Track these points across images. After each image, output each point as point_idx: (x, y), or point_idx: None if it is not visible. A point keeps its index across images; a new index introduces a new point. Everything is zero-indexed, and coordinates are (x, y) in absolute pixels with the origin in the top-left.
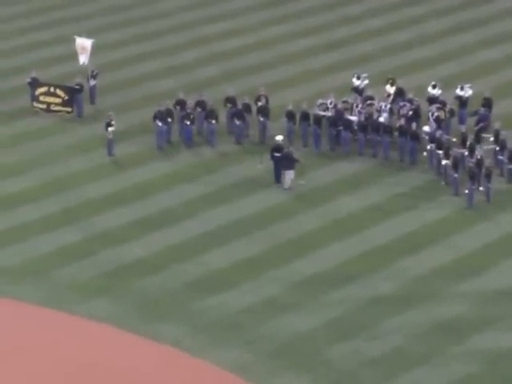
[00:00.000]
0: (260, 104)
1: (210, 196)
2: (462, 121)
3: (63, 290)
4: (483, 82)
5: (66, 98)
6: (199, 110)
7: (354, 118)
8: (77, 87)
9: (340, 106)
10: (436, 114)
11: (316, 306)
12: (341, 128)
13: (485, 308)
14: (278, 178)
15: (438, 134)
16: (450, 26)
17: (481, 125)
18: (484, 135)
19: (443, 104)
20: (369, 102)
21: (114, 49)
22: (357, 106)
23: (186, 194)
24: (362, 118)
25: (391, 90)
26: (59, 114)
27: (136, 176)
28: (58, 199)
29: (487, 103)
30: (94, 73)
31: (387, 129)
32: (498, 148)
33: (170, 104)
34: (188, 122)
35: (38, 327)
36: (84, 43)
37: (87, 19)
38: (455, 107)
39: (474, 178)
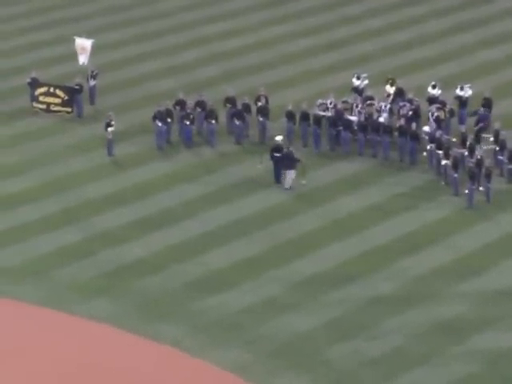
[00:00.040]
0: (260, 104)
1: (210, 196)
2: (461, 121)
3: (63, 290)
4: (483, 82)
5: (66, 98)
6: (199, 110)
7: (353, 118)
8: (76, 87)
9: (340, 106)
10: (436, 114)
11: (316, 306)
12: (341, 128)
13: (485, 308)
14: (277, 178)
15: (438, 134)
16: (450, 26)
17: (480, 125)
18: (484, 135)
19: (443, 104)
20: (369, 102)
21: (113, 49)
22: (357, 106)
23: (185, 194)
24: (362, 118)
25: (391, 90)
26: (59, 114)
27: (136, 176)
28: (57, 199)
29: (487, 103)
30: (94, 73)
31: (387, 129)
32: (497, 148)
33: (169, 104)
34: (188, 122)
35: (38, 327)
36: (84, 43)
37: (87, 19)
38: (455, 107)
39: (473, 178)
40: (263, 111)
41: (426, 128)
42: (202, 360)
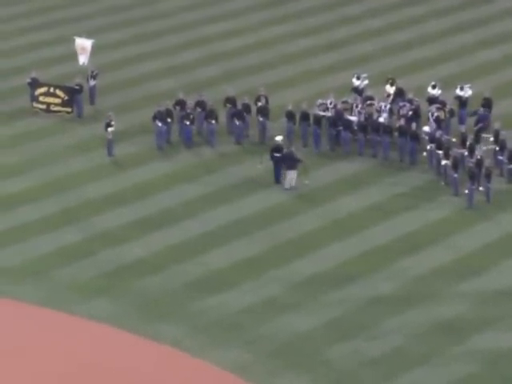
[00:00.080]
0: (260, 104)
1: (210, 196)
2: (461, 121)
3: (63, 290)
4: (483, 82)
5: (66, 98)
6: (199, 110)
7: (353, 118)
8: (76, 87)
9: (340, 106)
10: (436, 114)
11: (316, 306)
12: (341, 128)
13: (485, 308)
14: (277, 179)
15: (438, 134)
16: (450, 26)
17: (480, 125)
18: (484, 135)
19: (443, 104)
20: (369, 102)
21: (114, 49)
22: (357, 106)
23: (185, 194)
24: (362, 118)
25: (391, 90)
26: (59, 114)
27: (136, 176)
28: (57, 199)
29: (487, 103)
30: (94, 73)
31: (387, 129)
32: (497, 148)
33: (169, 104)
34: (188, 122)
35: (38, 327)
36: (84, 43)
37: (87, 19)
38: (455, 107)
39: (473, 178)
40: (263, 111)
41: (426, 128)
42: (202, 360)
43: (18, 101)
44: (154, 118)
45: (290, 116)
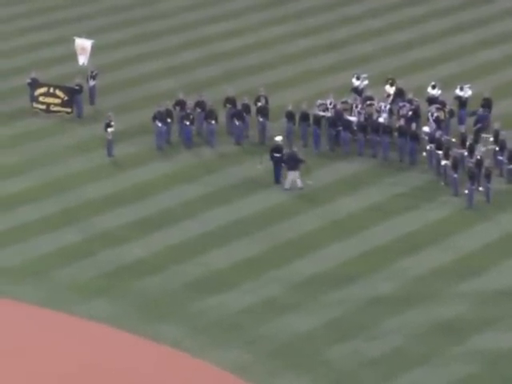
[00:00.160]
0: (259, 104)
1: (210, 196)
2: (461, 121)
3: (63, 290)
4: (483, 82)
5: (66, 98)
6: (199, 110)
7: (353, 119)
8: (76, 88)
9: (339, 106)
10: (436, 114)
11: (316, 307)
12: (340, 128)
13: (485, 308)
14: (277, 179)
15: (438, 134)
16: (451, 26)
17: (479, 125)
18: (484, 135)
19: (443, 104)
20: (368, 102)
21: (114, 49)
22: (356, 107)
23: (185, 195)
24: (362, 119)
25: (391, 90)
26: (59, 114)
27: (136, 176)
28: (57, 199)
29: (487, 104)
30: (94, 73)
31: (387, 129)
32: (497, 148)
33: (169, 104)
34: (187, 123)
35: (38, 327)
36: (84, 44)
37: (87, 19)
38: (455, 107)
39: (473, 178)
40: (263, 111)
41: (426, 128)
42: (201, 360)
43: (18, 101)
44: (154, 118)
45: (290, 116)
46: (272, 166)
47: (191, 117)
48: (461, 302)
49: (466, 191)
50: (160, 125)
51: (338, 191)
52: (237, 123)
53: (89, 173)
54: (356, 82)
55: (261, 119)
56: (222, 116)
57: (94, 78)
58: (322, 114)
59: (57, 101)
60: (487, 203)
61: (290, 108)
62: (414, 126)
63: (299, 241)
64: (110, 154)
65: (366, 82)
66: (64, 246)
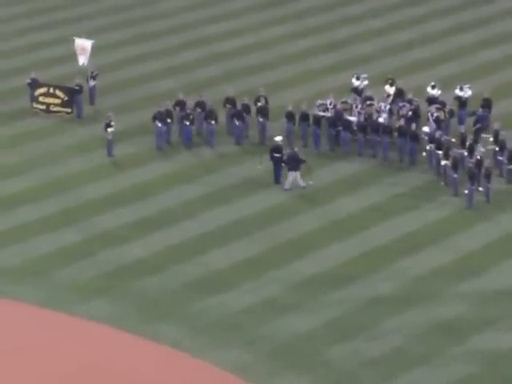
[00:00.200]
0: (259, 104)
1: (210, 196)
2: (461, 121)
3: (63, 290)
4: (483, 83)
5: (66, 98)
6: (199, 110)
7: (353, 119)
8: (76, 88)
9: (339, 106)
10: (435, 114)
11: (316, 307)
12: (340, 128)
13: (485, 308)
14: (277, 179)
15: (438, 134)
16: (451, 26)
17: (478, 125)
18: (483, 135)
19: (443, 104)
20: (368, 102)
21: (114, 49)
22: (356, 107)
23: (185, 195)
24: (362, 119)
25: (391, 90)
26: (59, 114)
27: (135, 176)
28: (57, 199)
29: (486, 104)
30: (94, 73)
31: (387, 129)
32: (497, 148)
33: (169, 105)
34: (187, 123)
35: (38, 327)
36: (84, 44)
37: (87, 20)
38: (455, 108)
39: (473, 178)
40: (263, 111)
41: (426, 128)
42: (201, 360)
43: (18, 101)
44: (154, 118)
45: (290, 116)
46: (272, 166)
47: (191, 117)
48: (461, 301)
49: (466, 191)
50: (160, 125)
51: (337, 191)
52: (237, 123)
53: (89, 173)
54: (356, 82)
55: (261, 119)
56: (222, 116)
57: (93, 78)
58: (321, 114)
59: (57, 101)
60: (487, 203)
61: (289, 108)
62: (413, 126)
63: (299, 241)
64: (109, 154)
65: (365, 82)
66: (64, 246)
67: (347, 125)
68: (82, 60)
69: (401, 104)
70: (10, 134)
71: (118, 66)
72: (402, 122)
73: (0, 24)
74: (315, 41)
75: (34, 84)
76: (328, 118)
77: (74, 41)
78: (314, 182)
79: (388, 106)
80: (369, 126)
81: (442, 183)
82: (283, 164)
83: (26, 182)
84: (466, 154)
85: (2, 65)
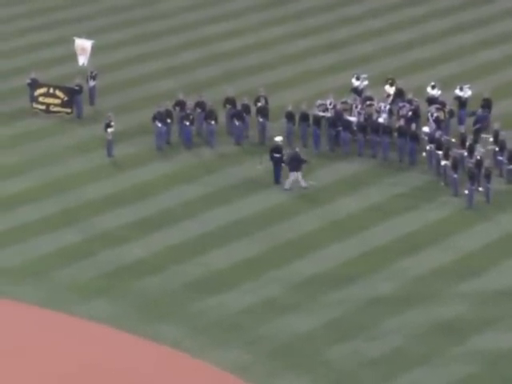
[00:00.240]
0: (259, 105)
1: (210, 196)
2: (461, 121)
3: (63, 290)
4: (483, 83)
5: (66, 98)
6: (199, 110)
7: (353, 119)
8: (76, 88)
9: (339, 106)
10: (435, 114)
11: (316, 307)
12: (340, 129)
13: (485, 308)
14: (277, 179)
15: (438, 134)
16: (451, 26)
17: (477, 126)
18: (483, 136)
19: (443, 105)
20: (368, 102)
21: (114, 49)
22: (356, 107)
23: (185, 195)
24: (362, 119)
25: (391, 90)
26: (59, 114)
27: (135, 177)
28: (57, 200)
29: (486, 104)
30: (94, 74)
31: (387, 129)
32: (497, 148)
33: (169, 105)
34: (187, 123)
35: (38, 328)
36: (84, 44)
37: (87, 20)
38: (455, 108)
39: (473, 178)
40: (263, 112)
41: (426, 128)
42: (201, 361)
43: (18, 101)
44: (154, 118)
45: (290, 116)
46: (272, 166)
47: (191, 117)
48: (461, 302)
49: (466, 191)
50: (160, 125)
51: (337, 191)
52: (237, 123)
53: (89, 173)
54: (356, 83)
55: (261, 119)
56: (222, 116)
57: (93, 78)
58: (321, 114)
59: (57, 101)
60: (487, 203)
61: (289, 108)
62: (413, 126)
63: (299, 241)
64: (109, 155)
65: (365, 83)
66: (64, 246)
67: (347, 125)
68: (82, 60)
69: (401, 104)
70: (9, 134)
71: (117, 66)
72: (401, 122)
73: (0, 24)
74: (315, 41)
75: (34, 84)
76: (328, 118)
77: (73, 41)
78: (315, 182)
79: (388, 106)
80: (369, 126)
81: (442, 183)
82: (283, 164)
83: (26, 182)
84: (465, 154)
85: (2, 65)
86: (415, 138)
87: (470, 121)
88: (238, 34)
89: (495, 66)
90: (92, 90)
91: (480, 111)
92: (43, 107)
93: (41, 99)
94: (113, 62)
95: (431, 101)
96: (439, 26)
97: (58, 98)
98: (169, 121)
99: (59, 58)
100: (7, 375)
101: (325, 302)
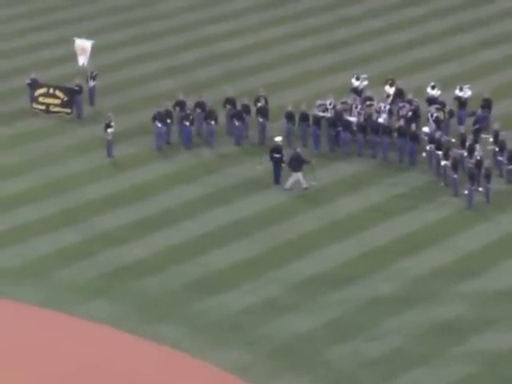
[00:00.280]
0: (259, 105)
1: (210, 197)
2: (461, 121)
3: (63, 291)
4: (483, 83)
5: (66, 99)
6: (199, 110)
7: (353, 119)
8: (76, 88)
9: (339, 106)
10: (435, 114)
11: (315, 307)
12: (340, 129)
13: (484, 308)
14: (277, 179)
15: (438, 134)
16: (451, 26)
17: (476, 126)
18: (483, 136)
19: (442, 105)
20: (368, 102)
21: (113, 49)
22: (356, 107)
23: (185, 195)
24: (362, 119)
25: (390, 90)
26: (58, 115)
27: (135, 177)
28: (57, 200)
29: (486, 104)
30: (94, 74)
31: (386, 129)
32: (497, 149)
33: (169, 105)
34: (187, 123)
35: (38, 328)
36: (84, 44)
37: (87, 20)
38: (454, 108)
39: (473, 178)
40: (263, 112)
41: (426, 129)
42: (201, 361)
43: (18, 101)
44: (154, 118)
45: (290, 117)
46: (272, 166)
47: (191, 117)
48: (461, 302)
49: (466, 192)
50: (160, 125)
51: (337, 192)
52: (236, 124)
53: (88, 173)
54: (356, 83)
55: (260, 120)
56: (222, 116)
57: (93, 78)
58: (321, 114)
59: (56, 101)
60: (487, 204)
61: (289, 108)
62: (413, 126)
63: (299, 241)
64: (109, 155)
65: (365, 83)
66: (64, 246)
67: (347, 125)
68: (82, 60)
69: (401, 104)
70: (9, 134)
71: (117, 66)
72: (401, 122)
73: (0, 24)
74: (315, 41)
75: (34, 84)
76: (328, 119)
77: (73, 41)
78: (316, 182)
79: (388, 107)
80: (368, 126)
81: (442, 183)
82: (283, 164)
83: (26, 183)
84: (465, 154)
85: (2, 65)
86: (415, 138)
87: (469, 121)
88: (237, 34)
89: (495, 66)
90: (92, 91)
91: (480, 111)
92: (43, 107)
93: (41, 99)
94: (113, 62)
95: (431, 101)
96: (439, 26)
97: (57, 98)
98: (169, 121)
99: (59, 58)
100: (7, 375)
101: (324, 302)
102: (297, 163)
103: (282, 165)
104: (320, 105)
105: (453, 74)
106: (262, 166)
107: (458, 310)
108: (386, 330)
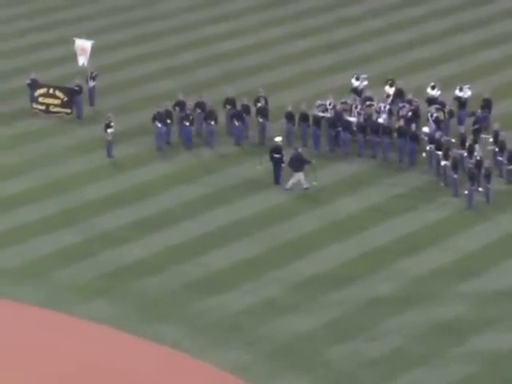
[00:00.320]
0: (259, 105)
1: (210, 197)
2: (461, 122)
3: (63, 291)
4: (483, 83)
5: (66, 99)
6: (198, 111)
7: (353, 119)
8: (76, 88)
9: (339, 106)
10: (435, 114)
11: (315, 307)
12: (340, 129)
13: (484, 309)
14: (277, 179)
15: (438, 134)
16: (451, 26)
17: (476, 126)
18: (483, 136)
19: (442, 105)
20: (368, 102)
21: (113, 50)
22: (356, 107)
23: (185, 195)
24: (361, 119)
25: (390, 90)
26: (58, 115)
27: (135, 177)
28: (57, 200)
29: (486, 104)
30: (94, 74)
31: (386, 130)
32: (497, 149)
33: (169, 105)
34: (187, 123)
35: (38, 328)
36: (84, 44)
37: (87, 20)
38: (454, 108)
39: (473, 178)
40: (262, 112)
41: (426, 129)
42: (201, 361)
43: (18, 102)
44: (154, 118)
45: (290, 117)
46: (272, 166)
47: (191, 117)
48: (461, 302)
49: (466, 192)
50: (160, 125)
51: (337, 192)
52: (236, 124)
53: (88, 173)
54: (355, 83)
55: (260, 120)
56: (222, 117)
57: (93, 78)
58: (321, 114)
59: (56, 101)
60: (487, 204)
61: (289, 109)
62: (413, 126)
63: (299, 241)
64: (109, 155)
65: (365, 83)
66: (64, 246)
67: (347, 125)
68: (82, 60)
69: (400, 104)
70: (9, 134)
71: (117, 66)
72: (401, 122)
73: (0, 24)
74: (314, 41)
75: (34, 84)
76: (328, 119)
77: (73, 41)
78: (317, 182)
79: (388, 107)
80: (368, 126)
81: (442, 184)
82: (283, 164)
83: (26, 183)
84: (465, 154)
85: (2, 65)
86: (415, 138)
87: (469, 121)
88: (237, 34)
89: (495, 66)
90: (92, 91)
91: (480, 111)
92: (43, 107)
93: (41, 99)
94: (113, 62)
95: (431, 101)
96: (439, 26)
97: (57, 98)
98: (169, 121)
99: (59, 58)
100: (7, 375)
101: (324, 302)
102: (298, 163)
103: (282, 165)
104: (320, 105)
105: (453, 74)
106: (261, 166)
107: (457, 310)
108: (386, 330)
